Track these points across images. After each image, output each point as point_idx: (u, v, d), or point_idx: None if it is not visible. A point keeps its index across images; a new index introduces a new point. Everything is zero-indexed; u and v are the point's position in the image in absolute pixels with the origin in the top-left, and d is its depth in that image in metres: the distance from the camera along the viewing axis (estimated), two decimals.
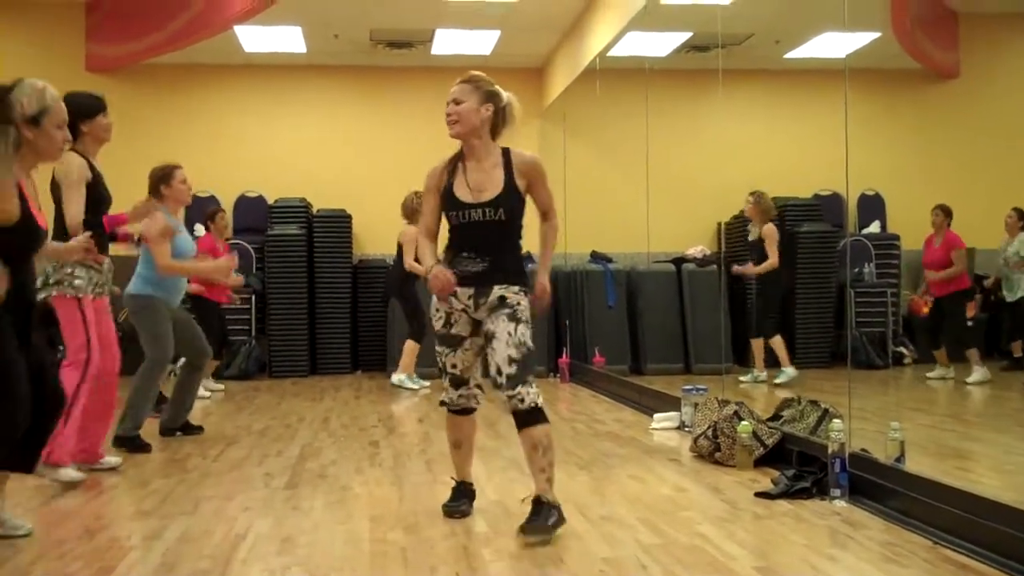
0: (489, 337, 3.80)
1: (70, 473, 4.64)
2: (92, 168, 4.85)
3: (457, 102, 3.86)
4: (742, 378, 8.21)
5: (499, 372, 3.73)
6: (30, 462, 3.77)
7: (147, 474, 4.96)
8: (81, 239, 4.17)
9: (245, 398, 8.40)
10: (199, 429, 6.28)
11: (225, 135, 11.17)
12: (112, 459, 5.08)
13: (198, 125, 11.10)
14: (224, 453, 5.55)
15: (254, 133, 11.20)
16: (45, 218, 3.83)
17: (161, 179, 5.81)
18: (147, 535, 3.71)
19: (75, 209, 4.69)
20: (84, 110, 4.84)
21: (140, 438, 5.61)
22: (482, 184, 3.84)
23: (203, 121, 11.14)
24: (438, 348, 3.95)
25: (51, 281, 4.72)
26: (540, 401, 3.72)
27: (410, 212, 8.46)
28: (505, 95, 3.95)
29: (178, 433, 6.13)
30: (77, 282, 4.73)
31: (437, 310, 3.93)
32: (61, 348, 4.97)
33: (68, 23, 10.49)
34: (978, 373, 7.49)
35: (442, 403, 4.07)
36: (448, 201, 3.89)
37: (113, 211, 5.12)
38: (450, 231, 3.96)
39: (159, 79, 10.88)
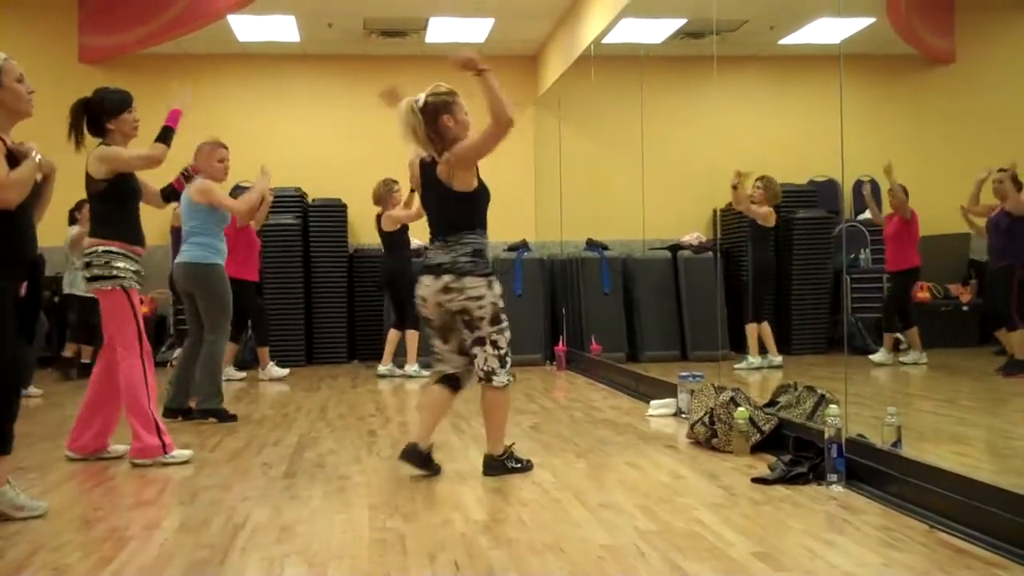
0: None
1: (185, 452, 4.99)
2: None
3: None
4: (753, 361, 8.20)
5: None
6: (5, 443, 3.80)
7: (145, 464, 4.95)
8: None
9: (242, 387, 8.40)
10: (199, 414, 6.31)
11: (219, 125, 11.01)
12: (119, 447, 5.08)
13: (192, 115, 10.77)
14: (222, 443, 5.56)
15: (248, 123, 11.16)
16: None
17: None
18: (145, 525, 3.72)
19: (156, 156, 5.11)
20: (111, 106, 4.94)
21: (223, 408, 6.11)
22: None
23: (197, 111, 10.86)
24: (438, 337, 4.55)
25: (92, 275, 4.80)
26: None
27: (379, 199, 8.92)
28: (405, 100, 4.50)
29: (179, 417, 6.19)
30: (122, 275, 4.81)
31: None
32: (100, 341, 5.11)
33: (60, 14, 10.45)
34: (883, 355, 7.54)
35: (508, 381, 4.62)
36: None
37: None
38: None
39: (153, 70, 10.81)
